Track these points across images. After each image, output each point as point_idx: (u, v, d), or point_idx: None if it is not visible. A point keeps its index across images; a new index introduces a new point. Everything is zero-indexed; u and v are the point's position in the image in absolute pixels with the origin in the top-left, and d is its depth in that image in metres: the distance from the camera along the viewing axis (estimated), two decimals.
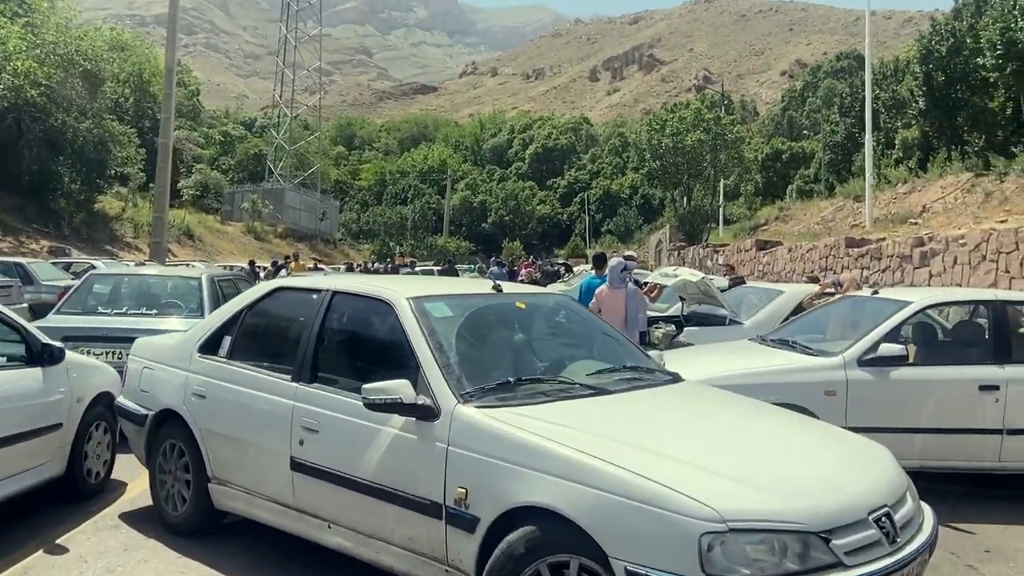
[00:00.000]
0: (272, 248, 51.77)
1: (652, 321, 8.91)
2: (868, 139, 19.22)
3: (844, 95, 39.17)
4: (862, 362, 5.62)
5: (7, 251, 25.14)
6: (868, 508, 3.05)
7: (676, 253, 29.67)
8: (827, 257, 15.82)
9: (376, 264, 42.06)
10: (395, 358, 3.74)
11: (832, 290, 8.41)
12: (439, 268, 28.82)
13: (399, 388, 3.40)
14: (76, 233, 33.73)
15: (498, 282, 4.52)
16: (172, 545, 4.44)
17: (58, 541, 4.48)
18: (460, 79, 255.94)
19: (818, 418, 5.48)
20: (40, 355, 4.85)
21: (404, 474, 3.46)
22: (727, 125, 34.00)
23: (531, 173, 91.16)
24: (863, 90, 37.07)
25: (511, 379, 3.66)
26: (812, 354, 5.83)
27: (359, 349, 4.28)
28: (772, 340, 6.42)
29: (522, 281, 21.21)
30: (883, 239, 13.82)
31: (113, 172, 36.57)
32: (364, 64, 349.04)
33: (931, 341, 6.41)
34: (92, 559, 4.25)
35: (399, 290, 4.04)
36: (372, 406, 3.45)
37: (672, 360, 6.67)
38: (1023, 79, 17.98)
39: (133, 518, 4.91)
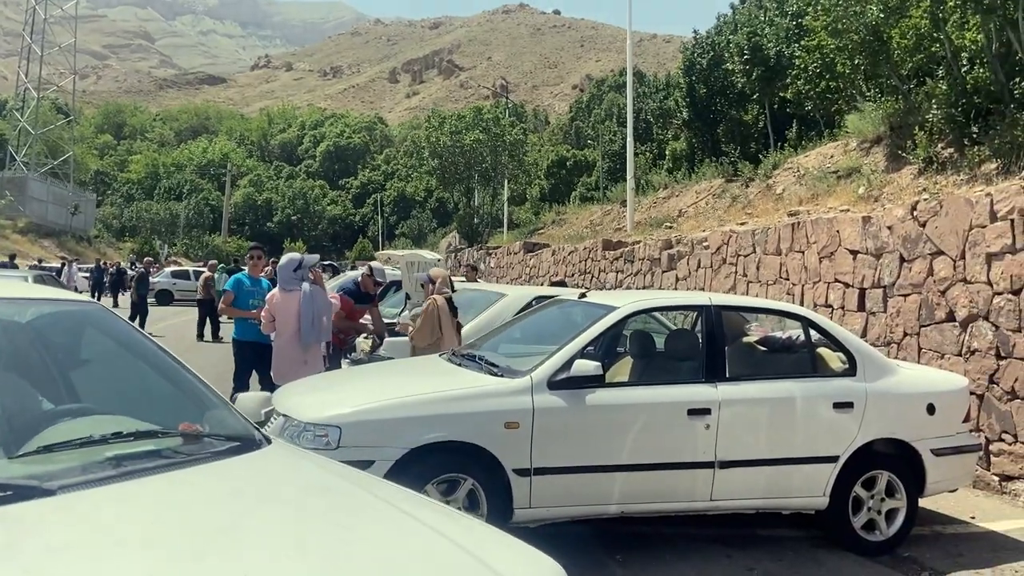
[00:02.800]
0: (9, 246, 44.88)
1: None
2: (629, 142, 19.15)
3: (622, 107, 40.45)
4: (553, 384, 4.45)
5: None
6: None
7: (454, 255, 28.70)
8: (586, 260, 15.30)
9: (136, 265, 36.90)
10: None
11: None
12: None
13: None
14: None
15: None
16: None
17: None
18: (252, 72, 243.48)
19: (499, 460, 4.29)
20: None
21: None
22: (506, 127, 33.65)
23: (323, 172, 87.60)
24: (637, 103, 38.61)
25: None
26: (497, 374, 4.58)
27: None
28: (462, 355, 5.13)
29: None
30: (638, 242, 13.37)
31: None
32: (145, 49, 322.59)
33: (644, 355, 5.42)
34: None
35: None
36: None
37: (325, 384, 5.18)
38: (768, 84, 18.63)
39: None
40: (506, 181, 34.32)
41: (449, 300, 6.41)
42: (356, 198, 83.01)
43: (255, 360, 6.72)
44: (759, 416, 4.82)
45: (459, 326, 6.41)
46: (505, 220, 34.43)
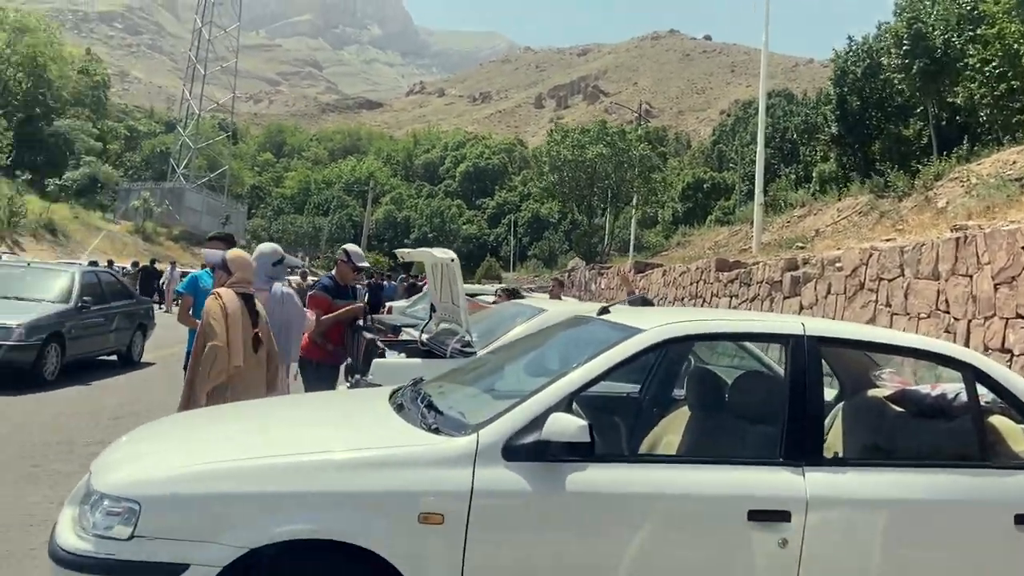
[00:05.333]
0: (162, 251, 47.51)
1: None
2: (760, 151, 16.71)
3: (767, 128, 37.41)
4: (512, 450, 2.67)
5: None
6: None
7: (568, 275, 26.97)
8: (698, 281, 13.15)
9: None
10: None
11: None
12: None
13: None
14: None
15: None
16: None
17: None
18: (406, 97, 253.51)
19: None
20: None
21: None
22: (632, 141, 31.53)
23: (460, 191, 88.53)
24: (783, 121, 35.48)
25: None
26: (431, 427, 2.84)
27: None
28: (410, 389, 3.41)
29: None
30: (757, 262, 11.16)
31: None
32: (313, 76, 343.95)
33: (705, 407, 3.50)
34: None
35: None
36: None
37: (182, 425, 3.43)
38: (932, 82, 15.58)
39: None
40: (635, 198, 32.19)
41: (246, 298, 4.47)
42: (491, 218, 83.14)
43: None
44: (879, 531, 2.81)
45: (257, 338, 4.48)
46: (631, 241, 32.33)
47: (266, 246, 5.17)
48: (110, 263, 23.64)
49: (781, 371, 4.36)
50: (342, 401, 3.66)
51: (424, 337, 6.17)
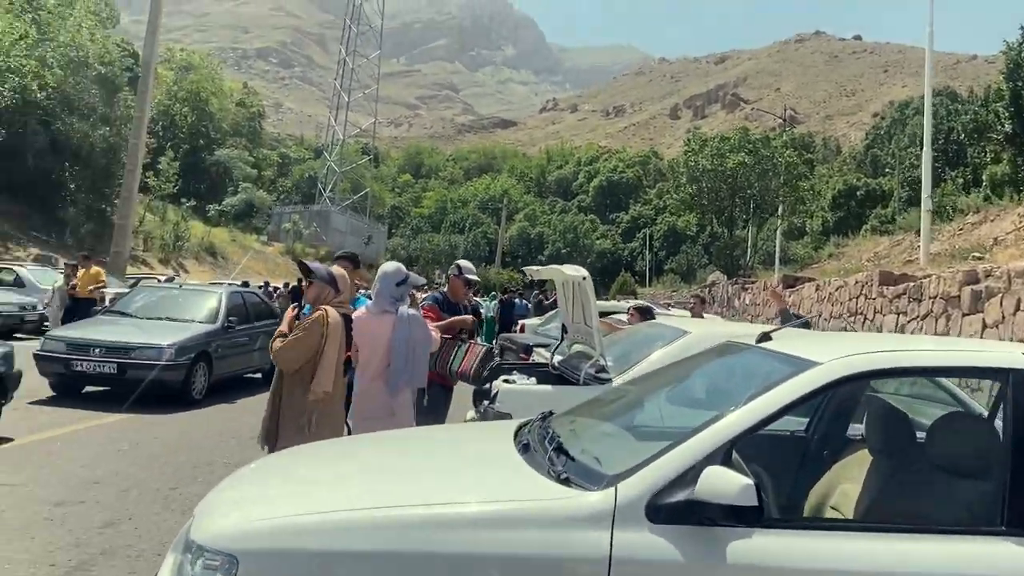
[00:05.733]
0: None
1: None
2: (926, 152, 15.15)
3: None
4: (657, 510, 2.22)
5: None
6: None
7: (707, 290, 25.80)
8: (858, 297, 12.01)
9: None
10: None
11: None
12: None
13: None
14: (80, 244, 32.25)
15: None
16: None
17: None
18: (540, 115, 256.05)
19: None
20: None
21: None
22: (777, 148, 29.82)
23: (594, 206, 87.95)
24: (948, 121, 32.64)
25: None
26: (560, 476, 2.42)
27: None
28: (538, 427, 3.01)
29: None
30: (929, 276, 10.01)
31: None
32: (450, 99, 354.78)
33: (891, 455, 2.89)
34: None
35: None
36: None
37: (289, 463, 3.08)
38: None
39: None
40: (780, 208, 30.49)
41: (346, 319, 4.35)
42: (625, 232, 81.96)
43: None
44: None
45: (348, 363, 4.32)
46: (777, 253, 30.64)
47: (389, 265, 4.94)
48: (265, 284, 24.84)
49: (979, 408, 3.64)
50: (460, 437, 3.31)
51: (556, 360, 5.77)
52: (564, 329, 5.96)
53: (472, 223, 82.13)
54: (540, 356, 6.51)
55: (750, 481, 2.12)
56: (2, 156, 29.75)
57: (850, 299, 12.26)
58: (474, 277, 5.68)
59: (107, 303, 12.96)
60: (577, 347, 5.91)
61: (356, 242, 62.68)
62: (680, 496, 2.20)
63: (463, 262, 5.70)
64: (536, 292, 23.25)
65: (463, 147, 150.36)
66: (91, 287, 13.97)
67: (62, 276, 14.49)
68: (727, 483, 2.13)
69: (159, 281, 17.37)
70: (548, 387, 5.04)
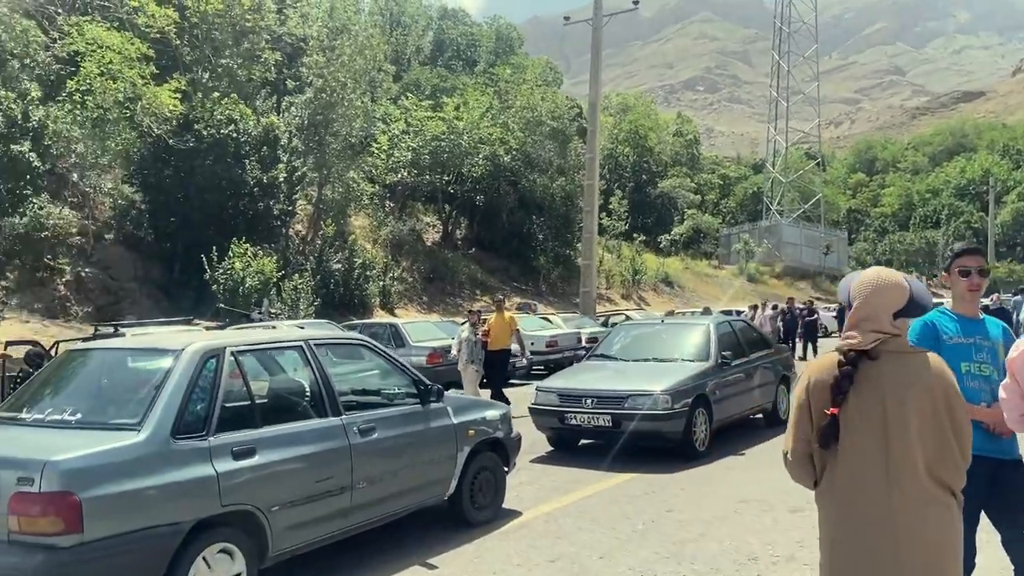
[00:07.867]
0: (766, 290, 47.41)
1: None
2: None
3: None
4: None
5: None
6: None
7: None
8: None
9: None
10: None
11: None
12: None
13: None
14: (552, 288, 34.62)
15: None
16: None
17: None
18: (1012, 78, 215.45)
19: None
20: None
21: None
22: None
23: None
24: None
25: None
26: None
27: None
28: None
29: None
30: None
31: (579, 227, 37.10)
32: (895, 84, 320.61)
33: None
34: None
35: None
36: None
37: None
38: None
39: None
40: None
41: None
42: None
43: None
44: None
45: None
46: None
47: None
48: (778, 306, 22.83)
49: None
50: None
51: None
52: None
53: (949, 213, 70.81)
54: None
55: None
56: (485, 218, 33.58)
57: None
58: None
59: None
60: None
61: (814, 253, 58.06)
62: None
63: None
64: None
65: (922, 132, 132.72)
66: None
67: (467, 326, 11.51)
68: None
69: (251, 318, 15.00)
70: None
